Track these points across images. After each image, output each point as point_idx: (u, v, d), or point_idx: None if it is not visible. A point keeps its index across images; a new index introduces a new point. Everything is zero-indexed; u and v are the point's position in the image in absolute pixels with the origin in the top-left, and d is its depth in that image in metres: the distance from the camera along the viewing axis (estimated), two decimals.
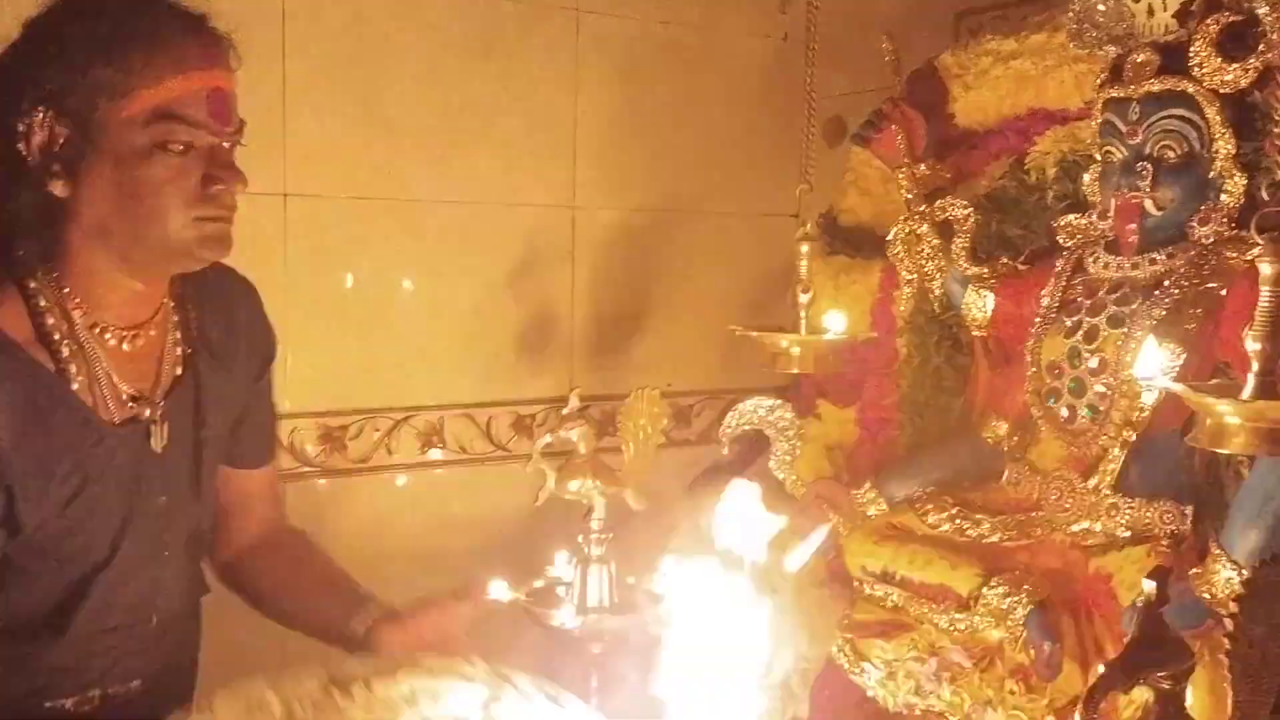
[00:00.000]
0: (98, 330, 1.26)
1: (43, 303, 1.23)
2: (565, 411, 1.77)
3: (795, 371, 1.75)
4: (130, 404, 1.29)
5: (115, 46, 1.19)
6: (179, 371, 1.35)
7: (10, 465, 1.19)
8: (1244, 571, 1.25)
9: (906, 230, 1.71)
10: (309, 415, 2.12)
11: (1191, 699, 1.15)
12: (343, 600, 1.47)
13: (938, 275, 1.68)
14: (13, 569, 1.22)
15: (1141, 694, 1.13)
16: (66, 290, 1.24)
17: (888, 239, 1.74)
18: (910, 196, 1.70)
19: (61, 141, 1.19)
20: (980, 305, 1.65)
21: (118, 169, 1.20)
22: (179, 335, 1.35)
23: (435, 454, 2.25)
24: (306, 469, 2.12)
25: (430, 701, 1.21)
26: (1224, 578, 1.26)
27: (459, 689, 1.24)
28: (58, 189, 1.21)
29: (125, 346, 1.29)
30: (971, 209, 1.66)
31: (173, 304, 1.35)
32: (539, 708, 1.23)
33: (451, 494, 2.26)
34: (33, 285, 1.23)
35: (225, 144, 1.25)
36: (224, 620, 1.55)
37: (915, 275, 1.71)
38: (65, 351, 1.24)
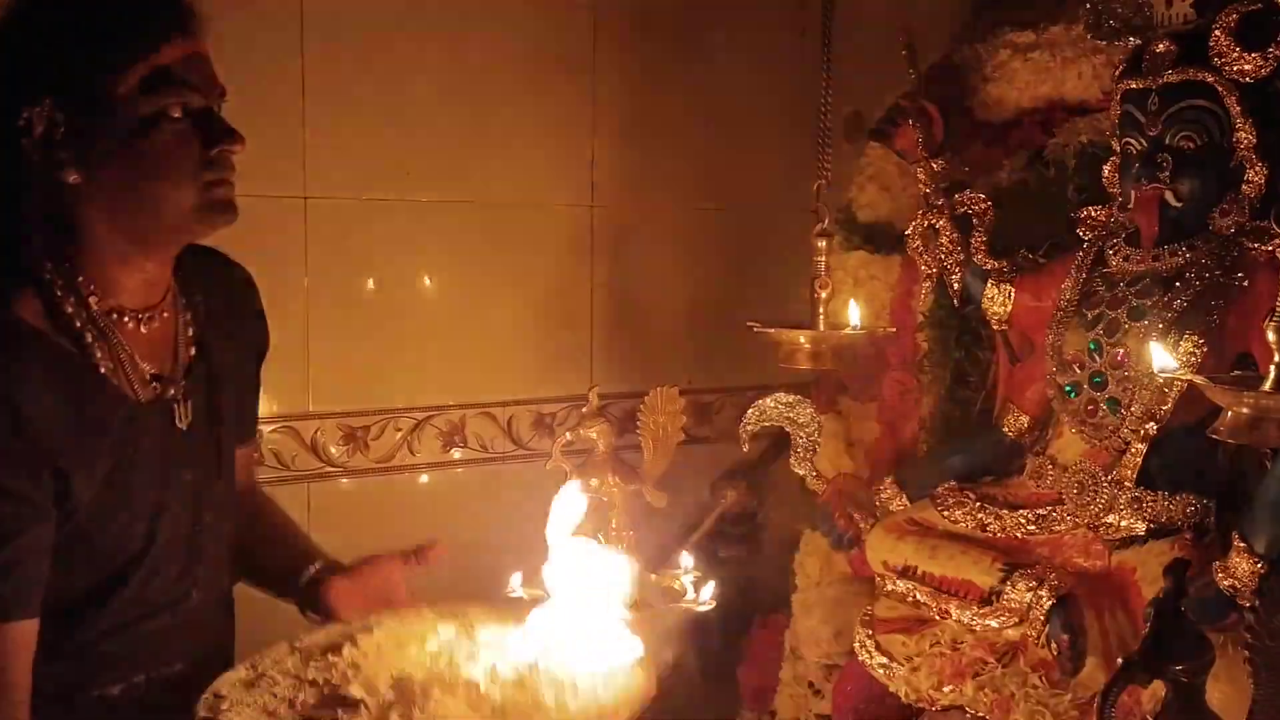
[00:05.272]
0: (113, 315, 1.29)
1: (58, 292, 1.25)
2: (585, 410, 1.78)
3: (814, 367, 1.75)
4: (154, 384, 1.32)
5: (100, 25, 1.21)
6: (193, 352, 1.37)
7: (57, 445, 1.22)
8: (1266, 564, 1.24)
9: (925, 225, 1.70)
10: (332, 416, 2.13)
11: (1212, 692, 1.14)
12: (293, 553, 1.51)
13: (957, 269, 1.68)
14: (59, 557, 1.24)
15: (1160, 687, 1.13)
16: (80, 278, 1.27)
17: (906, 234, 1.73)
18: (929, 191, 1.69)
19: (65, 129, 1.21)
20: (1000, 299, 1.64)
21: (125, 145, 1.22)
22: (189, 317, 1.38)
23: (457, 453, 2.26)
24: (330, 469, 2.14)
25: (420, 643, 1.26)
26: (1246, 570, 1.25)
27: (438, 630, 1.30)
28: (70, 177, 1.22)
29: (142, 329, 1.31)
30: (990, 202, 1.66)
31: (179, 288, 1.38)
32: (510, 628, 1.29)
33: (473, 492, 2.27)
34: (46, 276, 1.25)
35: (215, 108, 1.28)
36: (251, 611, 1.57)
37: (934, 270, 1.71)
38: (88, 336, 1.26)
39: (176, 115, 1.23)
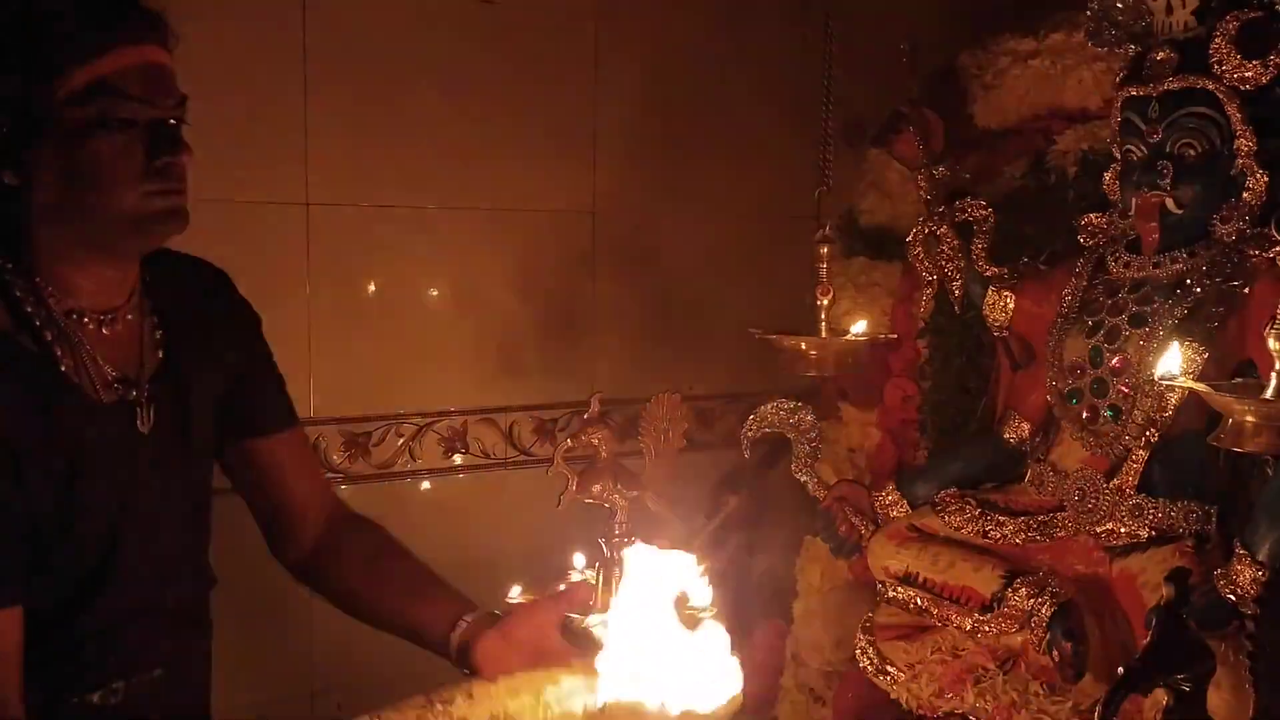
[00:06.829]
0: (73, 315, 1.29)
1: (17, 292, 1.26)
2: (587, 416, 1.78)
3: (815, 374, 1.75)
4: (117, 386, 1.32)
5: (41, 32, 1.21)
6: (160, 355, 1.37)
7: (16, 441, 1.22)
8: (1267, 571, 1.24)
9: (926, 231, 1.70)
10: (333, 421, 2.13)
11: (1214, 700, 1.14)
12: (438, 606, 1.48)
13: (958, 276, 1.68)
14: (26, 560, 1.24)
15: (1162, 695, 1.12)
16: (37, 279, 1.27)
17: (907, 240, 1.73)
18: (929, 198, 1.69)
19: (3, 130, 1.21)
20: (1001, 306, 1.64)
21: (63, 149, 1.22)
22: (155, 320, 1.37)
23: (458, 459, 2.26)
24: (331, 475, 2.14)
25: (533, 696, 1.24)
26: (1247, 578, 1.25)
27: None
28: (7, 177, 1.23)
29: (104, 331, 1.31)
30: (991, 209, 1.66)
31: (144, 292, 1.37)
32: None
33: (474, 498, 2.27)
34: (5, 276, 1.26)
35: (169, 119, 1.27)
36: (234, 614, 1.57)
37: (935, 276, 1.71)
38: (48, 336, 1.27)
39: (116, 124, 1.22)
